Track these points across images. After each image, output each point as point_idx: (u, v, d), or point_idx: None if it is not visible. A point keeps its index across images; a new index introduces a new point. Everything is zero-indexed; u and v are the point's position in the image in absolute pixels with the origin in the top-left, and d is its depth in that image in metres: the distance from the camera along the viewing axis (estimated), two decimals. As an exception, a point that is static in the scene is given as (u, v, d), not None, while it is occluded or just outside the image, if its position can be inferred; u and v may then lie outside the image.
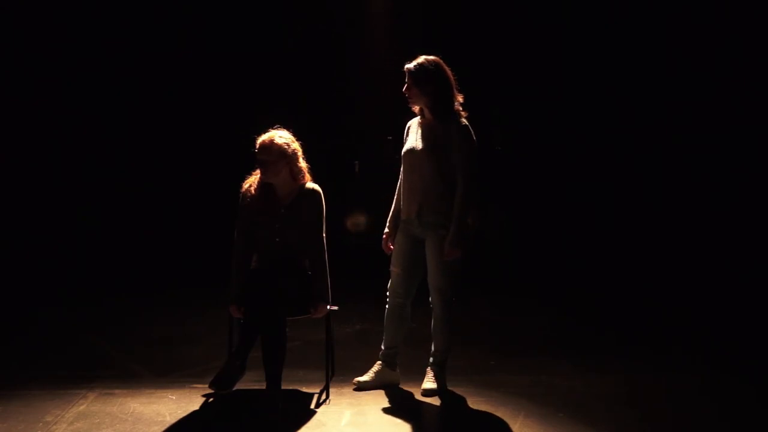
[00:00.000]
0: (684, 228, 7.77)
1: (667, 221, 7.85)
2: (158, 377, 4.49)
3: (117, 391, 4.20)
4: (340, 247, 4.47)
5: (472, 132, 4.11)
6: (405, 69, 4.11)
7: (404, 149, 4.23)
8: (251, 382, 4.18)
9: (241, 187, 4.28)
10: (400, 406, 4.03)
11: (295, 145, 4.19)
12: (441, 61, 4.12)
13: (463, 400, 4.08)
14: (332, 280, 4.24)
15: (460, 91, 4.13)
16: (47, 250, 7.61)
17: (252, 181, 4.25)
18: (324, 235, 4.22)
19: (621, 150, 8.15)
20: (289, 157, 4.13)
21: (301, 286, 4.14)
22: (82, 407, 3.94)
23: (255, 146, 4.16)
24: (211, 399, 4.08)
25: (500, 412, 3.90)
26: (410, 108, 4.22)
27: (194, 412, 3.92)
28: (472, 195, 4.09)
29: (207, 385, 3.99)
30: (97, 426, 3.70)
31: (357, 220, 8.05)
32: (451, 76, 4.11)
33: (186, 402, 4.05)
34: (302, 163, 4.21)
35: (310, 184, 4.23)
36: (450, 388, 4.24)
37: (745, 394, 4.23)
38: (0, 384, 4.28)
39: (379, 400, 4.11)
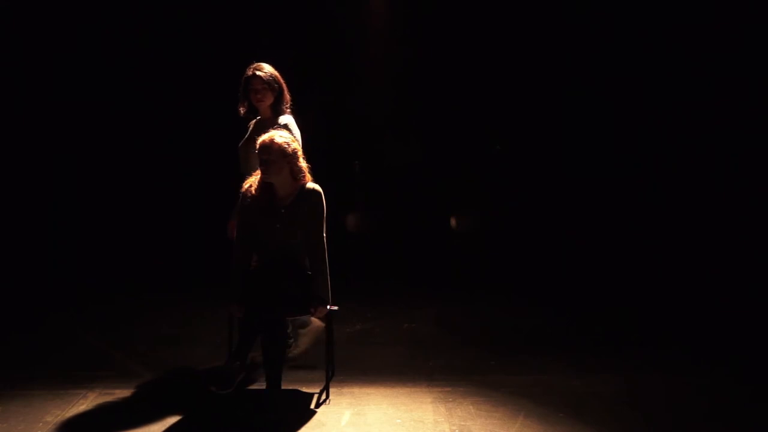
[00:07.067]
0: (682, 227, 7.77)
1: (665, 220, 7.85)
2: (158, 377, 4.49)
3: (117, 391, 4.21)
4: (340, 246, 4.48)
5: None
6: (257, 75, 4.47)
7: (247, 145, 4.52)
8: (251, 382, 4.18)
9: (241, 186, 4.28)
10: (399, 406, 4.04)
11: (295, 145, 4.18)
12: None
13: (463, 401, 4.09)
14: (332, 280, 4.24)
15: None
16: (48, 250, 7.61)
17: (252, 181, 4.25)
18: (324, 235, 4.22)
19: (619, 149, 8.15)
20: (290, 157, 4.13)
21: (301, 286, 4.14)
22: (82, 407, 3.95)
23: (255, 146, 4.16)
24: (211, 399, 4.08)
25: (500, 412, 3.91)
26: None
27: (195, 412, 3.92)
28: None
29: (207, 385, 4.00)
30: (98, 426, 3.71)
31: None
32: None
33: (186, 402, 4.05)
34: (302, 163, 4.21)
35: (311, 184, 4.23)
36: (450, 387, 4.26)
37: (743, 394, 4.23)
38: (0, 384, 4.29)
39: (379, 400, 4.11)
